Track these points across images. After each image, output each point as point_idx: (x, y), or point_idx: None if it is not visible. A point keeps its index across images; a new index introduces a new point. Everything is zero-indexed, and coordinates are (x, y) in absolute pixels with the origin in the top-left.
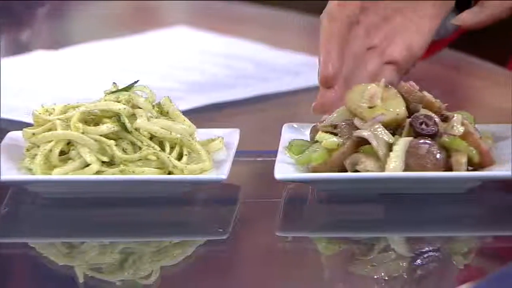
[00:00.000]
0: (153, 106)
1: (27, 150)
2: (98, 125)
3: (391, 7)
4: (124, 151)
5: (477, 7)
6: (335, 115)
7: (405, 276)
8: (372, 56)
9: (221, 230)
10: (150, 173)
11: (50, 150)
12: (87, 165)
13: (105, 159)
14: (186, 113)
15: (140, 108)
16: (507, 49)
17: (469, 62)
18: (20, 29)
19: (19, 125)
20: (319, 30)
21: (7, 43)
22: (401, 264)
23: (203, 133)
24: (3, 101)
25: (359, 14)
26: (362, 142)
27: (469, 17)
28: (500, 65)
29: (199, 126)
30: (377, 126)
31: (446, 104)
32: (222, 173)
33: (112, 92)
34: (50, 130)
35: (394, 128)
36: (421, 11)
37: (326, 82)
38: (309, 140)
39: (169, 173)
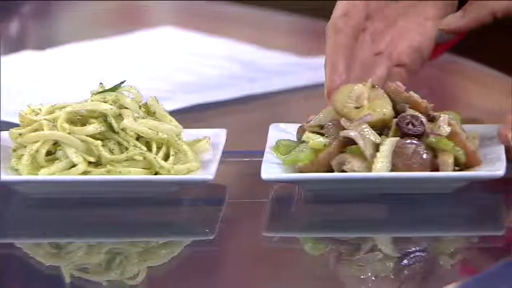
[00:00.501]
0: (140, 106)
1: (14, 150)
2: (85, 125)
3: (396, 12)
4: (111, 151)
5: (460, 12)
6: (321, 115)
7: (392, 276)
8: (380, 61)
9: (207, 230)
10: (136, 174)
11: (37, 151)
12: (74, 165)
13: (92, 159)
14: (173, 113)
15: (127, 108)
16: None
17: (455, 63)
18: (7, 29)
19: (7, 126)
20: (325, 40)
21: None
22: (388, 264)
23: (189, 134)
24: None
25: (364, 22)
26: (349, 142)
27: (452, 22)
28: (502, 71)
29: (185, 126)
30: (363, 126)
31: (432, 104)
32: (208, 173)
33: (99, 93)
34: (36, 130)
35: (381, 128)
36: (425, 13)
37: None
38: (295, 140)
39: (156, 173)
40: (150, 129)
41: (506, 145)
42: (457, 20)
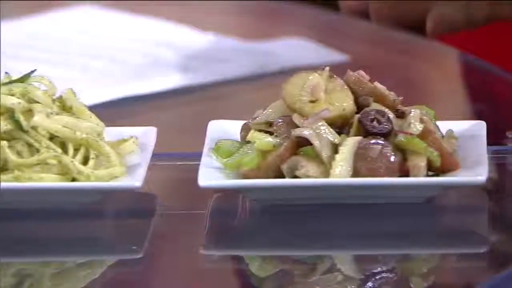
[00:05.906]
0: (54, 100)
1: None
2: None
3: None
4: (19, 154)
5: None
6: (270, 110)
7: None
8: None
9: (134, 247)
10: (50, 180)
11: None
12: None
13: None
14: (93, 108)
15: (38, 102)
16: None
17: (429, 48)
18: None
19: None
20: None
21: None
22: (348, 287)
23: (113, 132)
24: None
25: None
26: (303, 142)
27: None
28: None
29: (108, 124)
30: (320, 124)
31: (401, 98)
32: (136, 180)
33: (4, 84)
34: None
35: (341, 126)
36: None
37: None
38: (239, 140)
39: (73, 180)
40: (66, 127)
41: None
42: None
